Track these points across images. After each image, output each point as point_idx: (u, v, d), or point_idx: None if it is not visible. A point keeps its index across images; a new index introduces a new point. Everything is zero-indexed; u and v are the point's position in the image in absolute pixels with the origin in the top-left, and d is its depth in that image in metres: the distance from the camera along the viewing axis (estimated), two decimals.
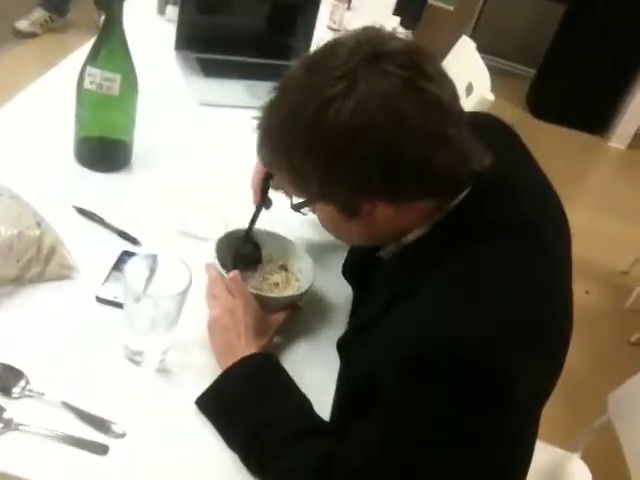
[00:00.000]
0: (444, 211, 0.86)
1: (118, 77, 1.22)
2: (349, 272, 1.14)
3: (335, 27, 2.25)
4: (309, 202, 0.91)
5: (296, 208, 0.94)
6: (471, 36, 2.16)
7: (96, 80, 1.21)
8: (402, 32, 0.86)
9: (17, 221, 1.01)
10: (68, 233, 1.12)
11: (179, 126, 1.52)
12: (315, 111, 0.80)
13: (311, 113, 0.80)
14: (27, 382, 0.88)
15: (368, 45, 0.81)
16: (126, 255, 1.12)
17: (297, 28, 1.93)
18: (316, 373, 1.01)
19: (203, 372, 0.96)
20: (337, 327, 1.10)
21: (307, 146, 0.82)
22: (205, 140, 1.50)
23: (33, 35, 3.50)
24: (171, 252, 0.99)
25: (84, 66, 1.23)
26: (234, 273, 1.01)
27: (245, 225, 1.15)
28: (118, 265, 1.10)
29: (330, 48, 0.85)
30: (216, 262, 1.05)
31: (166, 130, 1.46)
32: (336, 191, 0.85)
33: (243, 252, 1.13)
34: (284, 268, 1.15)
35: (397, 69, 0.79)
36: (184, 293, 0.91)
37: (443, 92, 0.81)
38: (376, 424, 0.79)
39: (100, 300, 1.04)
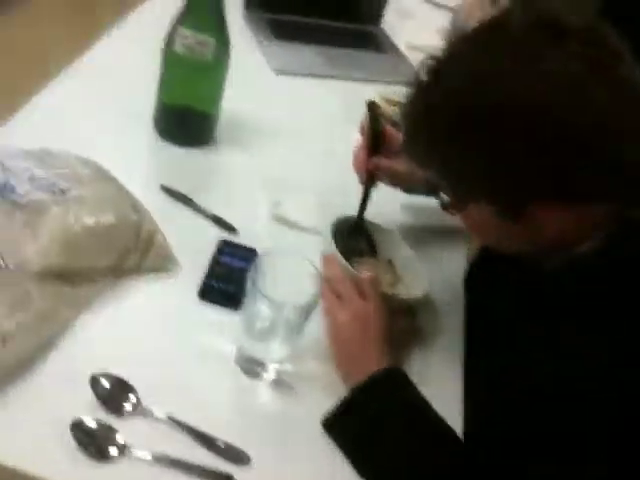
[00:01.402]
0: (621, 221, 0.75)
1: (212, 41, 1.09)
2: (471, 282, 1.03)
3: None
4: (463, 201, 0.79)
5: (447, 207, 0.82)
6: None
7: (188, 42, 1.08)
8: None
9: (113, 205, 0.89)
10: (159, 218, 1.00)
11: (258, 97, 1.38)
12: (486, 90, 0.70)
13: (481, 91, 0.70)
14: (138, 397, 0.77)
15: (546, 20, 0.70)
16: (226, 245, 1.00)
17: None
18: (435, 387, 0.91)
19: (325, 386, 0.85)
20: (450, 334, 1.00)
21: (474, 132, 0.71)
22: (290, 113, 1.37)
23: None
24: (288, 248, 0.89)
25: (174, 25, 1.09)
26: (371, 275, 0.89)
27: (346, 211, 1.03)
28: (219, 257, 0.98)
29: (499, 23, 0.74)
30: (336, 253, 0.93)
31: (245, 101, 1.32)
32: (499, 186, 0.74)
33: (354, 244, 1.01)
34: (391, 265, 1.03)
35: (584, 48, 0.69)
36: (315, 301, 0.80)
37: (633, 74, 0.70)
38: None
39: (203, 296, 0.93)
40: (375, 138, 1.01)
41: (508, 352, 0.83)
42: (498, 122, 0.70)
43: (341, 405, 0.81)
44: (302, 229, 1.09)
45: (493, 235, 0.83)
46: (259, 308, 0.79)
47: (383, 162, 1.02)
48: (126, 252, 0.89)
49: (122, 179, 0.99)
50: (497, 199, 0.75)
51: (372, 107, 1.03)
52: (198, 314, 0.91)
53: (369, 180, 1.03)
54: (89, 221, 0.84)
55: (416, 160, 0.83)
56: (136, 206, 0.93)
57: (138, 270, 0.92)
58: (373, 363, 0.84)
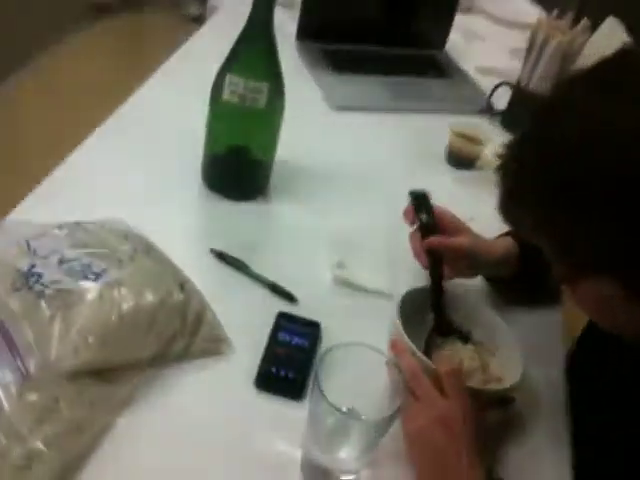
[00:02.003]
0: None
1: (265, 87, 0.97)
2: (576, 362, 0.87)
3: None
4: (581, 274, 0.65)
5: (560, 281, 0.68)
6: None
7: (238, 90, 0.97)
8: None
9: (158, 285, 0.77)
10: (209, 288, 0.88)
11: (316, 137, 1.26)
12: (620, 144, 0.56)
13: (617, 146, 0.56)
14: None
15: None
16: (284, 320, 0.88)
17: (436, 10, 1.63)
18: None
19: None
20: (550, 417, 0.84)
21: (604, 193, 0.57)
22: (353, 154, 1.24)
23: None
24: (358, 337, 0.75)
25: (222, 72, 0.98)
26: (452, 367, 0.74)
27: (422, 270, 0.89)
28: (277, 334, 0.85)
29: (626, 61, 0.60)
30: (405, 338, 0.79)
31: (302, 144, 1.19)
32: (632, 258, 0.59)
33: (428, 323, 0.87)
34: (477, 348, 0.86)
35: None
36: (394, 415, 0.67)
37: None
38: None
39: (261, 385, 0.80)
40: (426, 228, 0.89)
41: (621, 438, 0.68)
42: (628, 187, 0.56)
43: None
44: (370, 293, 0.95)
45: (610, 314, 0.67)
46: (324, 415, 0.65)
47: (439, 239, 0.88)
48: (172, 337, 0.78)
49: (167, 244, 0.88)
50: (624, 275, 0.61)
51: (417, 199, 0.91)
52: (256, 407, 0.78)
53: (432, 264, 0.89)
54: (128, 306, 0.73)
55: (520, 226, 0.69)
56: (182, 282, 0.81)
57: (186, 356, 0.80)
58: (464, 476, 0.69)
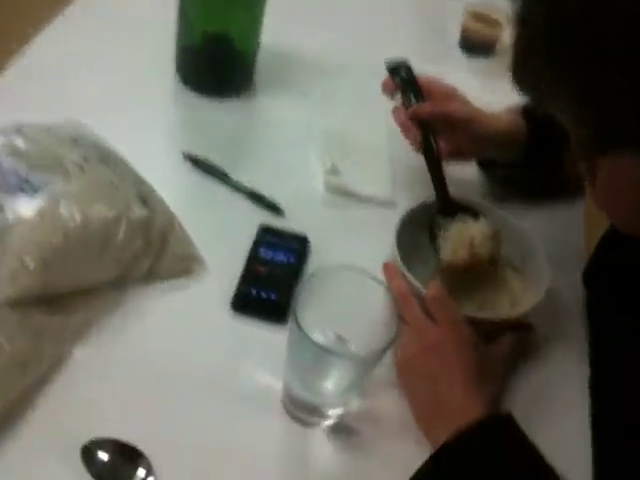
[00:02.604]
0: None
1: None
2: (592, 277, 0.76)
3: None
4: (600, 147, 0.53)
5: (580, 158, 0.56)
6: None
7: None
8: None
9: (114, 198, 0.67)
10: (181, 198, 0.78)
11: (308, 22, 1.10)
12: None
13: None
14: (150, 471, 0.56)
15: None
16: (266, 234, 0.77)
17: None
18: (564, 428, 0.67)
19: (399, 437, 0.63)
20: (574, 348, 0.74)
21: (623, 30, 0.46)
22: (351, 42, 1.09)
23: None
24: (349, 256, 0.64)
25: None
26: (436, 287, 0.64)
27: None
28: (257, 250, 0.75)
29: None
30: (398, 259, 0.69)
31: (289, 31, 1.04)
32: None
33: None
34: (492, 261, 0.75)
35: None
36: (387, 347, 0.57)
37: None
38: None
39: (238, 308, 0.71)
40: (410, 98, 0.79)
41: None
42: None
43: (426, 472, 0.58)
44: (367, 202, 0.84)
45: (630, 203, 0.55)
46: (303, 348, 0.56)
47: (428, 106, 0.77)
48: (133, 258, 0.67)
49: (133, 149, 0.77)
50: None
51: (397, 69, 0.81)
52: (232, 333, 0.69)
53: (424, 135, 0.77)
54: (76, 224, 0.62)
55: (536, 92, 0.56)
56: (145, 194, 0.70)
57: (151, 278, 0.70)
58: (460, 409, 0.60)
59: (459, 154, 0.82)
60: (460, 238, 0.72)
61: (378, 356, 0.56)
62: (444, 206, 0.75)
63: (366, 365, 0.57)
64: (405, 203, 0.81)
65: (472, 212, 0.74)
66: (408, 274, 0.67)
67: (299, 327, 0.54)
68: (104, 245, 0.65)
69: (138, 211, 0.68)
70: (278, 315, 0.70)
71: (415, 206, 0.75)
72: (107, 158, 0.70)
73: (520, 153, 0.82)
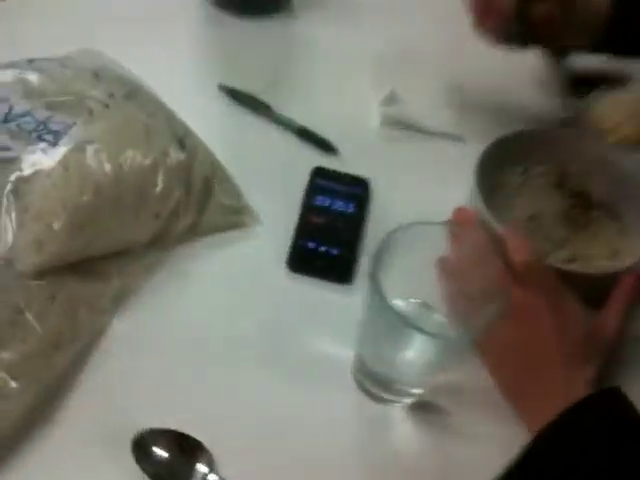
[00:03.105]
0: None
1: None
2: None
3: None
4: None
5: None
6: None
7: None
8: None
9: (146, 141, 0.56)
10: (217, 138, 0.67)
11: None
12: None
13: None
14: (212, 466, 0.48)
15: None
16: (321, 177, 0.67)
17: None
18: None
19: (487, 417, 0.54)
20: None
21: None
22: None
23: None
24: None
25: None
26: (524, 248, 0.54)
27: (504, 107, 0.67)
28: (312, 198, 0.65)
29: None
30: (480, 202, 0.59)
31: None
32: None
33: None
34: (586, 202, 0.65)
35: None
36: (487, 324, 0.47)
37: None
38: None
39: (295, 267, 0.61)
40: None
41: None
42: None
43: (526, 456, 0.50)
44: (431, 134, 0.73)
45: None
46: (385, 324, 0.46)
47: None
48: (173, 213, 0.58)
49: (161, 82, 0.66)
50: None
51: None
52: (290, 295, 0.60)
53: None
54: (106, 175, 0.52)
55: None
56: (182, 136, 0.60)
57: (195, 234, 0.61)
58: (560, 384, 0.52)
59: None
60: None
61: (474, 334, 0.47)
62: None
63: (460, 344, 0.47)
64: (476, 137, 0.70)
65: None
66: (494, 221, 0.57)
67: (379, 294, 0.45)
68: (140, 199, 0.55)
69: (176, 156, 0.57)
70: (341, 273, 0.61)
71: (502, 137, 0.64)
72: (135, 93, 0.60)
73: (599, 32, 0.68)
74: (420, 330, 0.43)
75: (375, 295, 0.45)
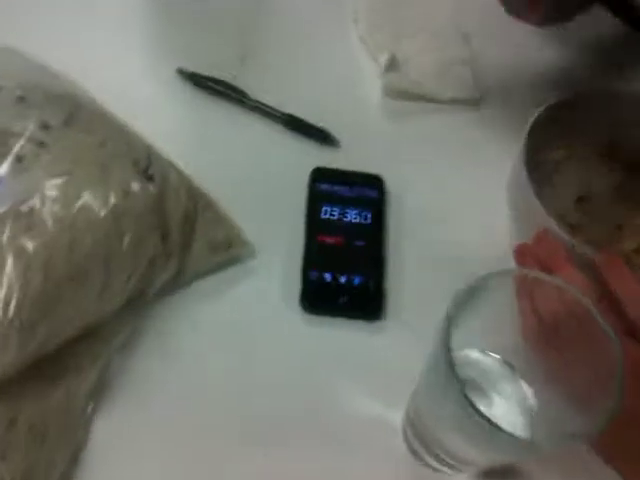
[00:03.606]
0: None
1: None
2: None
3: None
4: None
5: None
6: None
7: None
8: None
9: (102, 182, 0.42)
10: (188, 144, 0.53)
11: None
12: None
13: None
14: None
15: None
16: (323, 180, 0.53)
17: None
18: None
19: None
20: None
21: None
22: None
23: None
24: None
25: None
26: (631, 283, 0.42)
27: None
28: (315, 210, 0.52)
29: None
30: (528, 189, 0.47)
31: None
32: None
33: None
34: None
35: None
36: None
37: None
38: None
39: (311, 305, 0.49)
40: None
41: None
42: None
43: None
44: (450, 104, 0.60)
45: None
46: (451, 406, 0.35)
47: None
48: (149, 267, 0.44)
49: (102, 82, 0.51)
50: None
51: None
52: (309, 341, 0.48)
53: None
54: (54, 244, 0.38)
55: None
56: (146, 162, 0.45)
57: (178, 285, 0.47)
58: None
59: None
60: None
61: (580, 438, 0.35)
62: None
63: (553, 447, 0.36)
64: (498, 101, 0.58)
65: None
66: (544, 212, 0.45)
67: (451, 369, 0.33)
68: (105, 263, 0.41)
69: (142, 191, 0.43)
70: (369, 308, 0.49)
71: (550, 104, 0.51)
72: (77, 114, 0.44)
73: None
74: (500, 430, 0.31)
75: (443, 358, 0.33)
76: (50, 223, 0.38)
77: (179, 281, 0.47)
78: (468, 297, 0.34)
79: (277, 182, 0.54)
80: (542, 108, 0.50)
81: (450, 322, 0.33)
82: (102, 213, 0.41)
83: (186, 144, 0.54)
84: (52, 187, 0.39)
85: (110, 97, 0.51)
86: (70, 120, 0.43)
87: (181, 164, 0.50)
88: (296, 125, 0.56)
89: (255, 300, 0.49)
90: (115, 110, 0.50)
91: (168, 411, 0.44)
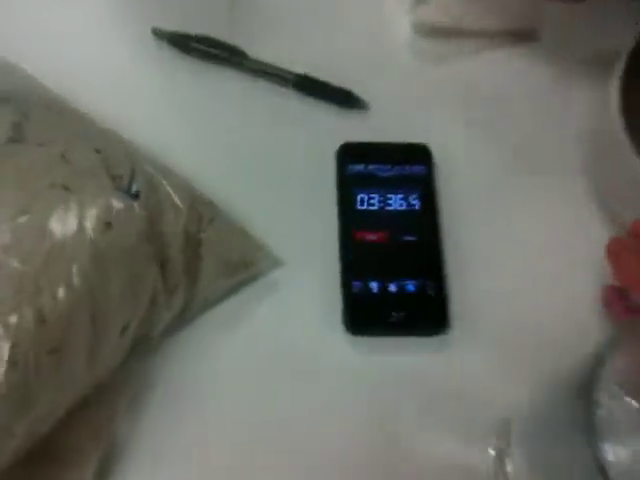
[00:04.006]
0: None
1: None
2: None
3: None
4: None
5: None
6: None
7: None
8: None
9: (67, 211, 0.31)
10: (179, 127, 0.43)
11: None
12: None
13: None
14: None
15: None
16: (354, 159, 0.42)
17: None
18: None
19: None
20: None
21: None
22: None
23: None
24: None
25: None
26: None
27: None
28: (348, 200, 0.41)
29: None
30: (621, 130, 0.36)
31: None
32: None
33: None
34: None
35: None
36: None
37: None
38: None
39: (357, 327, 0.39)
40: None
41: None
42: None
43: None
44: (486, 35, 0.48)
45: None
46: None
47: None
48: (149, 309, 0.34)
49: (61, 53, 0.40)
50: None
51: None
52: (362, 373, 0.38)
53: None
54: (22, 315, 0.28)
55: None
56: (129, 170, 0.34)
57: (186, 319, 0.37)
58: None
59: None
60: None
61: None
62: None
63: None
64: (560, 33, 0.46)
65: None
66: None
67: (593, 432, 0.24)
68: (92, 320, 0.31)
69: (126, 215, 0.33)
70: (431, 320, 0.39)
71: None
72: (26, 123, 0.33)
73: None
74: None
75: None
76: (9, 292, 0.28)
77: (188, 314, 0.37)
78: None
79: (296, 167, 0.43)
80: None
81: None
82: (77, 261, 0.30)
83: (174, 129, 0.43)
84: (2, 236, 0.28)
85: (75, 82, 0.40)
86: (18, 133, 0.32)
87: (172, 158, 0.39)
88: (311, 87, 0.44)
89: (284, 323, 0.39)
90: (83, 97, 0.39)
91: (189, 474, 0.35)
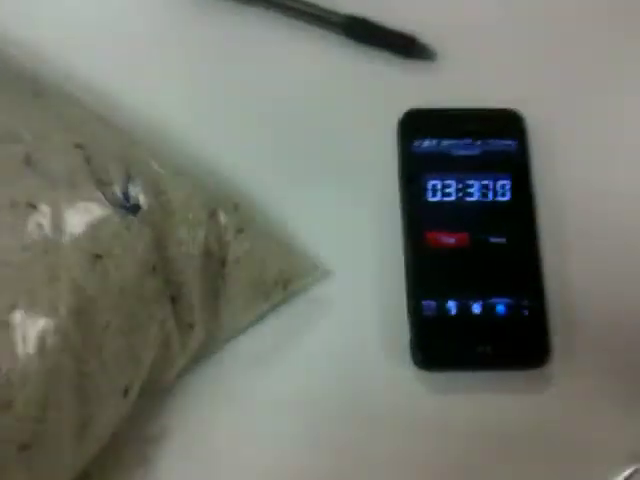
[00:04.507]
0: None
1: None
2: None
3: None
4: None
5: None
6: None
7: None
8: None
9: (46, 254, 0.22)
10: (194, 87, 0.33)
11: None
12: None
13: None
14: None
15: None
16: (422, 131, 0.32)
17: None
18: None
19: None
20: None
21: None
22: None
23: None
24: None
25: None
26: None
27: None
28: (415, 181, 0.31)
29: None
30: None
31: None
32: None
33: None
34: None
35: None
36: None
37: None
38: None
39: (430, 364, 0.30)
40: None
41: None
42: None
43: None
44: None
45: None
46: None
47: None
48: (156, 361, 0.25)
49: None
50: None
51: None
52: (437, 413, 0.30)
53: None
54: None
55: None
56: (122, 173, 0.25)
57: (207, 353, 0.29)
58: None
59: None
60: None
61: None
62: None
63: None
64: None
65: None
66: None
67: None
68: (78, 394, 0.22)
69: (120, 233, 0.24)
70: (527, 349, 0.30)
71: None
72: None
73: None
74: None
75: None
76: None
77: (211, 347, 0.29)
78: None
79: (345, 144, 0.33)
80: None
81: None
82: (52, 316, 0.21)
83: (189, 96, 0.33)
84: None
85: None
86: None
87: (183, 140, 0.30)
88: (364, 32, 0.34)
89: (334, 354, 0.30)
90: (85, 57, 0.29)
91: None
